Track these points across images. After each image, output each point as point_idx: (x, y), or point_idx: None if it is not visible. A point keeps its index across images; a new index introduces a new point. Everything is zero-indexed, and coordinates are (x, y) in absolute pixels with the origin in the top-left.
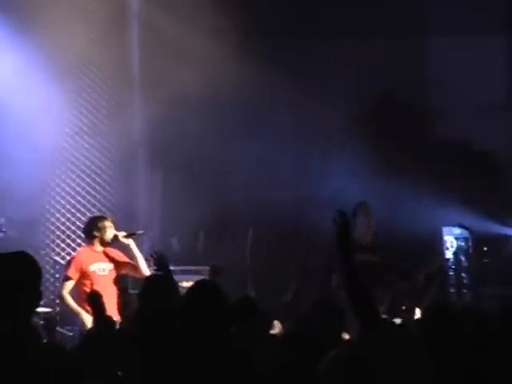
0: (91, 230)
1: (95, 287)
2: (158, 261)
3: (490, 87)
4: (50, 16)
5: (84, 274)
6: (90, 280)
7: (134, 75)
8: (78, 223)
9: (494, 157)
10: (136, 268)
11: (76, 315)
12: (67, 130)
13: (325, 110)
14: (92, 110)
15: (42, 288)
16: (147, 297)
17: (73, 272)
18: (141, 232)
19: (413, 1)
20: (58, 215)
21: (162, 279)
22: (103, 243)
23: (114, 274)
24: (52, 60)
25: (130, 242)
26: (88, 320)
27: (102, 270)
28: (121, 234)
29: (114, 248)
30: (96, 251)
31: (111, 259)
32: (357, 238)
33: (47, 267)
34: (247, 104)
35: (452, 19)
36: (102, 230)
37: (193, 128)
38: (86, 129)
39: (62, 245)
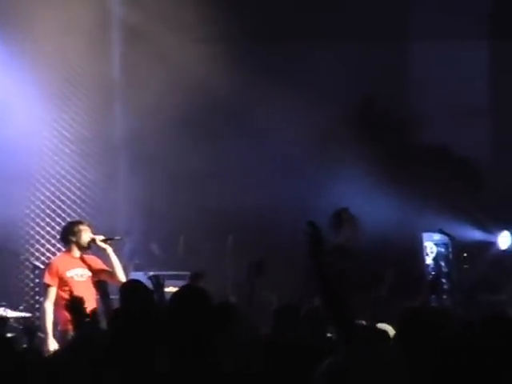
0: (67, 235)
1: (71, 292)
2: (156, 285)
3: (472, 92)
4: (32, 23)
5: (61, 280)
6: (68, 286)
7: (115, 80)
8: (57, 228)
9: (476, 162)
10: (113, 275)
11: (44, 334)
12: (46, 134)
13: (307, 114)
14: (72, 114)
15: (22, 293)
16: (123, 303)
17: (50, 279)
18: (118, 237)
19: (395, 5)
20: (37, 220)
21: (138, 284)
22: (80, 248)
23: (91, 280)
24: (32, 65)
25: (107, 247)
26: (52, 345)
27: (79, 276)
28: (98, 238)
29: (92, 254)
30: (73, 257)
31: (88, 265)
32: (342, 244)
33: (27, 272)
34: (230, 108)
35: (434, 24)
36: (78, 234)
37: (174, 133)
38: (66, 133)
39: (42, 249)
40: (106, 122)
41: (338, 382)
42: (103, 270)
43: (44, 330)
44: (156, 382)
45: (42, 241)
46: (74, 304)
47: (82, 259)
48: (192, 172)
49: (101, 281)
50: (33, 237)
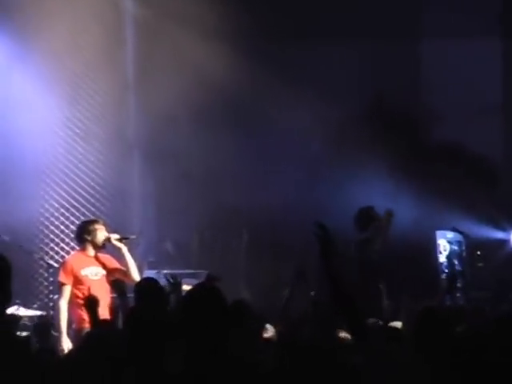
0: (82, 234)
1: (87, 291)
2: (173, 283)
3: (484, 90)
4: (45, 21)
5: (76, 279)
6: (83, 285)
7: (128, 79)
8: (71, 226)
9: (489, 160)
10: (127, 274)
11: (58, 332)
12: (61, 133)
13: (320, 113)
14: (86, 113)
15: (36, 291)
16: (138, 301)
17: (64, 277)
18: (133, 236)
19: (408, 4)
20: (52, 219)
21: (153, 283)
22: (95, 247)
23: (106, 279)
24: (46, 62)
25: (122, 246)
26: (66, 344)
27: (94, 275)
28: (113, 237)
29: (106, 253)
30: (88, 255)
31: (103, 264)
32: (369, 239)
33: (41, 270)
34: (245, 106)
35: (447, 22)
36: (93, 233)
37: (189, 131)
38: (79, 132)
39: (56, 248)
40: (119, 120)
41: (356, 381)
42: (117, 269)
43: (58, 329)
44: (170, 380)
45: (57, 239)
46: (91, 303)
47: (97, 258)
48: (207, 170)
49: (118, 280)
50: (47, 235)
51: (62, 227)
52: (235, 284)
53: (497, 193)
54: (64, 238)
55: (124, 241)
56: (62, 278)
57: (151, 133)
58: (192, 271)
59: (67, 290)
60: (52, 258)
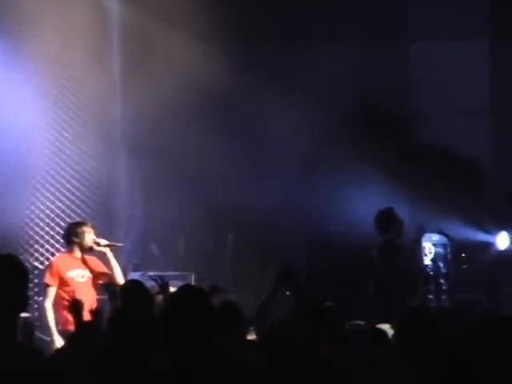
0: (70, 236)
1: (72, 293)
2: (161, 285)
3: (472, 92)
4: (30, 23)
5: (62, 280)
6: (69, 286)
7: (115, 79)
8: (57, 228)
9: (476, 162)
10: (112, 277)
11: (49, 333)
12: (47, 135)
13: (307, 115)
14: (72, 115)
15: None
16: (122, 303)
17: (50, 278)
18: (121, 244)
19: (395, 5)
20: (37, 220)
21: (138, 284)
22: (82, 249)
23: (91, 282)
24: (31, 65)
25: (108, 251)
26: (58, 343)
27: (80, 277)
28: (102, 242)
29: (93, 256)
30: (74, 257)
31: (89, 267)
32: (392, 240)
33: None
34: (230, 108)
35: (435, 24)
36: (81, 235)
37: (175, 133)
38: (66, 134)
39: (41, 250)
40: (106, 122)
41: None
42: (103, 273)
43: (48, 330)
44: (156, 381)
45: (42, 241)
46: (75, 305)
47: (83, 260)
48: (194, 171)
49: (110, 282)
50: (32, 237)
51: (47, 229)
52: (222, 286)
53: (483, 195)
54: (49, 239)
55: (111, 247)
56: (47, 279)
57: (138, 134)
58: (178, 273)
59: (52, 292)
60: (37, 259)
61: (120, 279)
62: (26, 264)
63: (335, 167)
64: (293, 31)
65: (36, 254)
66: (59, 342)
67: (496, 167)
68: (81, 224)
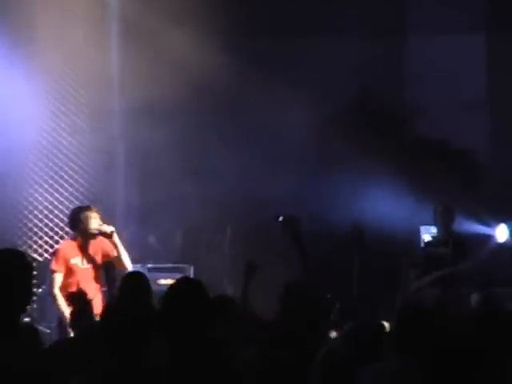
0: (74, 221)
1: (75, 280)
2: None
3: (469, 86)
4: (29, 17)
5: (67, 267)
6: (72, 273)
7: (113, 74)
8: (55, 220)
9: (474, 155)
10: (119, 261)
11: (61, 313)
12: (45, 126)
13: (304, 109)
14: (71, 107)
15: None
16: (123, 295)
17: (56, 265)
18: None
19: None
20: (35, 212)
21: (141, 276)
22: (87, 234)
23: (96, 267)
24: (32, 58)
25: (115, 236)
26: (65, 313)
27: (83, 263)
28: (108, 229)
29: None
30: (79, 243)
31: (94, 251)
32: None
33: None
34: (228, 103)
35: (432, 17)
36: (86, 220)
37: (174, 128)
38: (64, 125)
39: (40, 242)
40: (104, 115)
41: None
42: (111, 255)
43: (60, 309)
44: (153, 375)
45: (40, 233)
46: (74, 297)
47: (88, 245)
48: (193, 165)
49: (109, 263)
50: (30, 229)
51: (46, 221)
52: (219, 279)
53: (482, 188)
54: (48, 231)
55: (114, 233)
56: (54, 265)
57: (136, 128)
58: (176, 265)
59: (59, 278)
60: (35, 251)
61: (128, 263)
62: None
63: (333, 161)
64: (290, 25)
65: (35, 246)
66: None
67: (493, 159)
68: (85, 209)
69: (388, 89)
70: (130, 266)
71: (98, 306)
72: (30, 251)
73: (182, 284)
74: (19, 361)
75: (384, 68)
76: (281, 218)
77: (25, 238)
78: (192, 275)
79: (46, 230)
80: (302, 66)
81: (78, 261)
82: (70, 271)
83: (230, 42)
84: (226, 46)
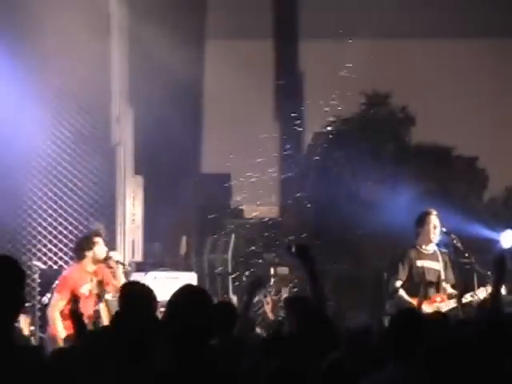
0: (82, 249)
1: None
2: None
3: (473, 91)
4: (31, 26)
5: (73, 294)
6: (80, 301)
7: (115, 81)
8: (59, 228)
9: (477, 160)
10: (117, 289)
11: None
12: (49, 135)
13: (309, 113)
14: (74, 114)
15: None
16: (126, 305)
17: (62, 292)
18: (129, 267)
19: (401, 1)
20: (39, 220)
21: (139, 286)
22: (95, 261)
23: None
24: (34, 68)
25: (119, 266)
26: (61, 335)
27: (88, 291)
28: (114, 258)
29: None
30: (86, 271)
31: (97, 278)
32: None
33: (29, 272)
34: (226, 107)
35: (434, 21)
36: (93, 248)
37: (176, 134)
38: (67, 134)
39: (44, 250)
40: (105, 123)
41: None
42: (110, 284)
43: (55, 340)
44: (158, 381)
45: (44, 241)
46: (76, 314)
47: (95, 272)
48: (196, 172)
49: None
50: (35, 237)
51: (50, 229)
52: (223, 286)
53: (487, 193)
54: (52, 239)
55: (121, 266)
56: (60, 291)
57: (138, 135)
58: (180, 273)
59: (62, 304)
60: (39, 259)
61: None
62: (29, 264)
63: (337, 166)
64: (294, 27)
65: (39, 254)
66: (61, 334)
67: (497, 164)
68: (92, 236)
69: (393, 94)
70: None
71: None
72: (34, 259)
73: (186, 292)
74: (10, 368)
75: (390, 73)
76: (293, 249)
77: (29, 246)
78: (195, 282)
79: (50, 237)
80: (307, 69)
81: (85, 289)
82: (75, 297)
83: (229, 45)
84: (225, 51)
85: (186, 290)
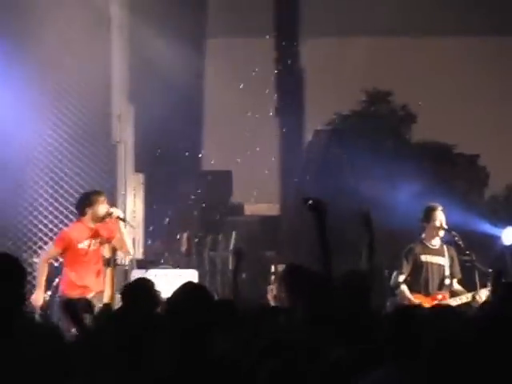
0: (84, 205)
1: (81, 262)
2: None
3: (475, 89)
4: (29, 27)
5: (72, 249)
6: (78, 254)
7: (115, 80)
8: (60, 225)
9: (478, 158)
10: (123, 245)
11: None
12: (47, 134)
13: (311, 110)
14: (75, 112)
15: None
16: (129, 302)
17: (58, 245)
18: (132, 225)
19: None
20: (40, 217)
21: (146, 281)
22: (95, 218)
23: (101, 249)
24: (35, 68)
25: (120, 222)
26: (39, 298)
27: (90, 246)
28: (115, 214)
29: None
30: (87, 227)
31: (101, 236)
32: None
33: (30, 270)
34: (227, 106)
35: (434, 20)
36: (94, 205)
37: (177, 134)
38: (65, 133)
39: (45, 247)
40: (105, 120)
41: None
42: (115, 239)
43: (37, 283)
44: (158, 380)
45: (46, 238)
46: (69, 307)
47: (95, 229)
48: (196, 169)
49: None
50: (35, 234)
51: (50, 226)
52: (224, 283)
53: (488, 190)
54: (53, 236)
55: (123, 222)
56: (56, 244)
57: (138, 132)
58: (181, 270)
59: (53, 255)
60: (39, 256)
61: (130, 248)
62: (30, 261)
63: (341, 162)
64: (300, 26)
65: (39, 251)
66: (40, 297)
67: (500, 162)
68: (95, 194)
69: (395, 91)
70: (132, 251)
71: (102, 286)
72: (34, 256)
73: (188, 289)
74: (11, 361)
75: (391, 70)
76: (310, 201)
77: (30, 244)
78: (196, 280)
79: (50, 235)
80: (311, 66)
81: (85, 245)
82: (76, 252)
83: (228, 44)
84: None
85: (186, 287)
